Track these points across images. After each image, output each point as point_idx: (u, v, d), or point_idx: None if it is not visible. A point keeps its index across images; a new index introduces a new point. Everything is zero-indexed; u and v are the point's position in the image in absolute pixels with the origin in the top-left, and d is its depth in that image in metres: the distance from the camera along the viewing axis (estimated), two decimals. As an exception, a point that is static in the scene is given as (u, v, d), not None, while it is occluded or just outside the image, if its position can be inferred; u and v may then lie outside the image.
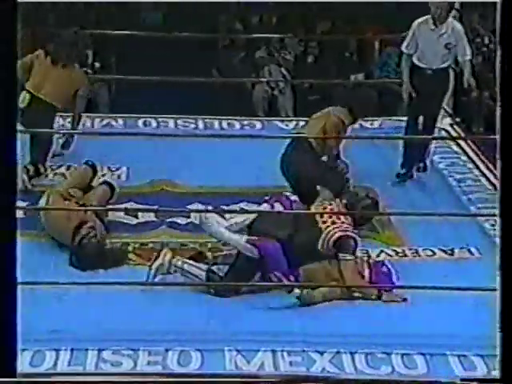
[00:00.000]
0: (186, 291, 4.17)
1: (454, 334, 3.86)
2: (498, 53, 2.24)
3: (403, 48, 5.38)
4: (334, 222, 4.27)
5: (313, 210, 4.41)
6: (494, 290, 2.47)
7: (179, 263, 4.20)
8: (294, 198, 4.55)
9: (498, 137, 2.24)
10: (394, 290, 4.16)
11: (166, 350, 3.73)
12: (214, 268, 4.21)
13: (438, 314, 3.98)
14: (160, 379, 3.46)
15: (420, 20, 5.35)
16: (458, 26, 5.32)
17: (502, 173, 2.21)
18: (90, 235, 4.42)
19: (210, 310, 4.03)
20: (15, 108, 2.22)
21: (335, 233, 4.23)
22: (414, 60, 5.34)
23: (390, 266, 4.28)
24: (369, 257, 4.47)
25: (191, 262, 4.25)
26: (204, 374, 3.62)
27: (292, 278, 4.18)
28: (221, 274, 4.19)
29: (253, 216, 4.34)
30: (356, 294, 4.15)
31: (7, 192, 2.22)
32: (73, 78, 5.24)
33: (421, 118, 5.46)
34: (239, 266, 4.18)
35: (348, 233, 4.26)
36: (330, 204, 4.44)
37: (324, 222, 4.27)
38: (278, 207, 4.46)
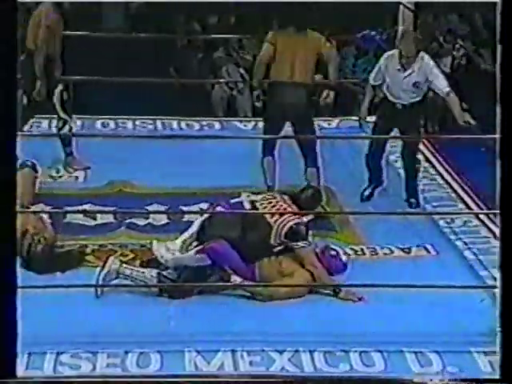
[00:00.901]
0: (139, 294, 4.13)
1: (411, 332, 3.89)
2: (498, 52, 2.25)
3: (371, 80, 5.21)
4: (281, 214, 4.30)
5: (258, 205, 4.41)
6: (494, 287, 2.50)
7: (127, 271, 4.17)
8: (235, 200, 4.55)
9: (497, 136, 2.26)
10: (352, 289, 4.18)
11: (126, 352, 3.71)
12: (165, 273, 4.18)
13: (394, 313, 4.01)
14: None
15: (387, 55, 5.16)
16: (427, 60, 5.05)
17: (501, 171, 2.23)
18: (35, 242, 4.34)
19: (167, 311, 4.01)
20: (15, 108, 2.21)
21: (287, 223, 4.26)
22: (384, 90, 5.19)
23: (337, 249, 4.30)
24: (315, 247, 4.45)
25: (140, 268, 4.22)
26: (164, 375, 3.60)
27: (249, 275, 4.18)
28: (172, 278, 4.17)
29: (198, 226, 4.31)
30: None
31: (7, 193, 2.21)
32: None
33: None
34: (193, 270, 4.17)
35: (298, 220, 4.28)
36: (275, 198, 4.45)
37: (272, 216, 4.29)
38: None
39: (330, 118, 6.63)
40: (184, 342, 3.79)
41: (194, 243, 4.31)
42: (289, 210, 4.36)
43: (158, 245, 4.25)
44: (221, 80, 8.07)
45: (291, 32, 5.13)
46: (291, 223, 4.27)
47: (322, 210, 4.90)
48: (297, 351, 3.76)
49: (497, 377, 2.27)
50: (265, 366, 3.70)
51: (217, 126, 6.40)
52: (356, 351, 3.76)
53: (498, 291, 2.71)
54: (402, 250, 4.68)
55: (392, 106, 5.13)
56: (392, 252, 4.67)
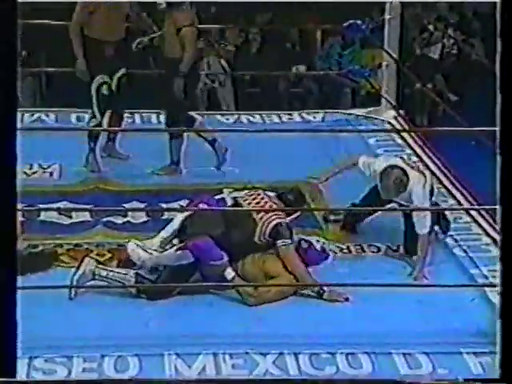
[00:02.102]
0: (115, 296, 4.12)
1: (399, 333, 3.90)
2: (498, 51, 2.28)
3: None
4: (267, 212, 4.30)
5: (241, 201, 4.41)
6: (494, 286, 2.50)
7: (103, 272, 4.15)
8: (219, 197, 4.55)
9: (497, 129, 2.27)
10: (336, 289, 4.17)
11: (102, 356, 3.70)
12: (143, 272, 4.16)
13: (381, 313, 4.01)
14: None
15: None
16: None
17: (502, 166, 2.23)
18: None
19: (145, 313, 4.00)
20: (15, 107, 2.27)
21: (272, 221, 4.26)
22: None
23: (309, 239, 4.29)
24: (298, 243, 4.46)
25: (117, 269, 4.20)
26: (144, 380, 3.59)
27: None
28: (151, 278, 4.15)
29: (179, 223, 4.30)
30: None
31: (7, 193, 2.25)
32: None
33: None
34: (173, 269, 4.16)
35: (284, 219, 4.29)
36: (259, 194, 4.46)
37: (257, 213, 4.30)
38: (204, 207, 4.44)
39: (315, 111, 6.64)
40: (164, 344, 3.78)
41: (174, 241, 4.30)
42: (275, 207, 4.36)
43: (134, 246, 4.23)
44: (201, 72, 8.05)
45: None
46: (277, 221, 4.28)
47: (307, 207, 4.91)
48: (281, 354, 3.76)
49: (495, 377, 2.28)
50: (248, 369, 3.69)
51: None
52: (342, 353, 3.77)
53: (493, 290, 2.73)
54: (390, 247, 4.68)
55: None
56: (379, 250, 4.67)
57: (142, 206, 5.01)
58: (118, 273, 4.17)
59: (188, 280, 4.15)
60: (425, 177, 4.52)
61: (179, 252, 4.15)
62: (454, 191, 5.31)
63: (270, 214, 4.30)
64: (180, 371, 3.66)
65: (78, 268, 4.14)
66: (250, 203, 4.39)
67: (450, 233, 4.82)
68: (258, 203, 4.38)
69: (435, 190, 4.66)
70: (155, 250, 4.23)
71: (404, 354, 3.77)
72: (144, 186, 5.26)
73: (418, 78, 6.84)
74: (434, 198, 4.60)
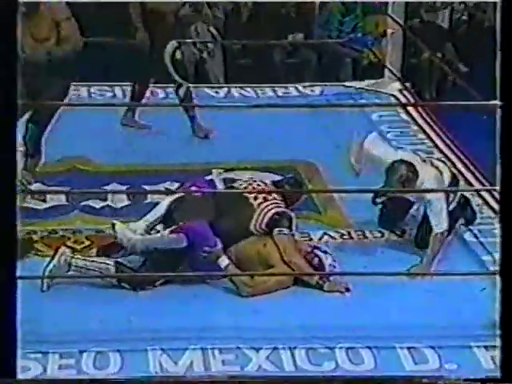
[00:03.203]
0: (95, 286, 4.13)
1: (403, 325, 3.92)
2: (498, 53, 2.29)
3: None
4: (266, 199, 4.29)
5: (236, 185, 4.43)
6: (494, 273, 2.52)
7: (80, 262, 4.15)
8: (208, 178, 4.56)
9: (498, 102, 2.27)
10: (338, 279, 4.18)
11: (80, 352, 3.71)
12: (124, 261, 4.17)
13: (384, 304, 4.03)
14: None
15: None
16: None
17: (501, 147, 2.24)
18: None
19: (127, 305, 4.01)
20: (15, 109, 2.39)
21: (271, 209, 4.27)
22: None
23: (322, 258, 4.25)
24: (310, 239, 4.50)
25: (96, 258, 4.21)
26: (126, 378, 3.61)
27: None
28: (133, 266, 4.15)
29: (164, 208, 4.30)
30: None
31: (7, 187, 2.35)
32: None
33: None
34: (161, 255, 4.16)
35: (283, 209, 4.29)
36: (255, 180, 4.46)
37: (256, 199, 4.29)
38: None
39: (313, 84, 6.65)
40: (148, 339, 3.79)
41: (159, 227, 4.30)
42: (272, 196, 4.36)
43: (122, 226, 4.24)
44: (189, 40, 8.02)
45: None
46: (276, 210, 4.28)
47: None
48: (276, 348, 3.77)
49: (498, 375, 2.30)
50: (239, 365, 3.70)
51: (184, 93, 6.36)
52: (342, 347, 3.78)
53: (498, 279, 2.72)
54: (395, 232, 4.69)
55: None
56: (383, 235, 4.68)
57: (123, 188, 5.01)
58: (96, 262, 4.17)
59: (175, 270, 4.14)
60: (441, 173, 4.41)
61: (173, 235, 4.15)
62: (464, 171, 5.32)
63: (269, 202, 4.30)
64: (165, 368, 3.67)
65: (52, 258, 4.14)
66: (245, 188, 4.39)
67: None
68: (254, 189, 4.38)
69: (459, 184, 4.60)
70: (141, 235, 4.24)
71: (409, 348, 3.79)
72: (125, 166, 5.25)
73: (425, 47, 6.83)
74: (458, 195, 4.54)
